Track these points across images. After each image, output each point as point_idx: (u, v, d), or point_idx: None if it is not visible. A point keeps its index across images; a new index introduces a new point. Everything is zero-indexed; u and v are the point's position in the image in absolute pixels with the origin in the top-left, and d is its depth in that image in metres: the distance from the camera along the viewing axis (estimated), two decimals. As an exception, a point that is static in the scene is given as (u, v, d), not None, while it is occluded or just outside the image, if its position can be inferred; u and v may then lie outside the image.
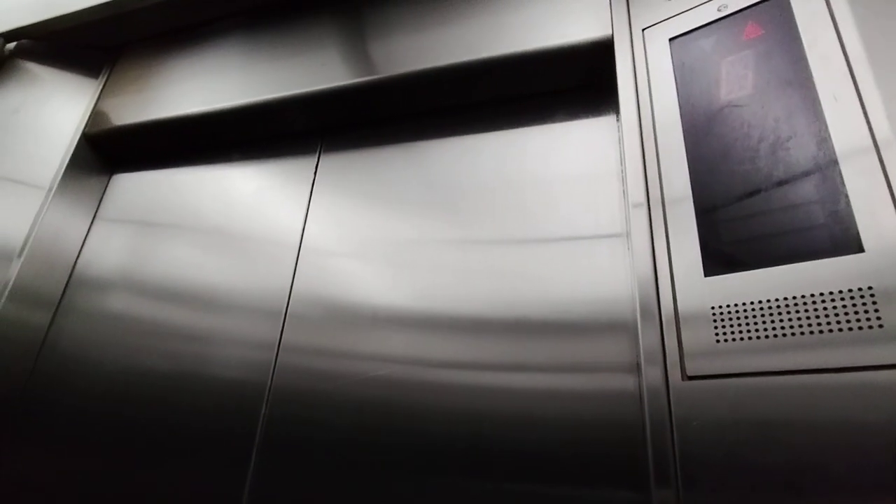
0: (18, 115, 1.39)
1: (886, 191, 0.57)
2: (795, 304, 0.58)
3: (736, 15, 0.76)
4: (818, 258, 0.58)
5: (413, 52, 1.05)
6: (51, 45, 1.48)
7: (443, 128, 1.08)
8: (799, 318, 0.57)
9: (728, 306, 0.62)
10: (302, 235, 1.08)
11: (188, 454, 0.95)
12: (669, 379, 0.62)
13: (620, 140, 0.86)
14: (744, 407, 0.57)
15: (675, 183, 0.71)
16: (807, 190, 0.61)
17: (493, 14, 1.01)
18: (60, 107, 1.37)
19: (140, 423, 1.01)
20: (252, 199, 1.18)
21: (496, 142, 1.02)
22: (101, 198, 1.34)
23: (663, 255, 0.69)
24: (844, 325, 0.55)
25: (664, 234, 0.70)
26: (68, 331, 1.18)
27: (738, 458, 0.55)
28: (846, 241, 0.57)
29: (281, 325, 1.00)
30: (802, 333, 0.56)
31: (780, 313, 0.58)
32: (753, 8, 0.75)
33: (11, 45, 1.51)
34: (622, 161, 0.85)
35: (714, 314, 0.62)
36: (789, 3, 0.72)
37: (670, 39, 0.81)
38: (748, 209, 0.64)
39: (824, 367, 0.54)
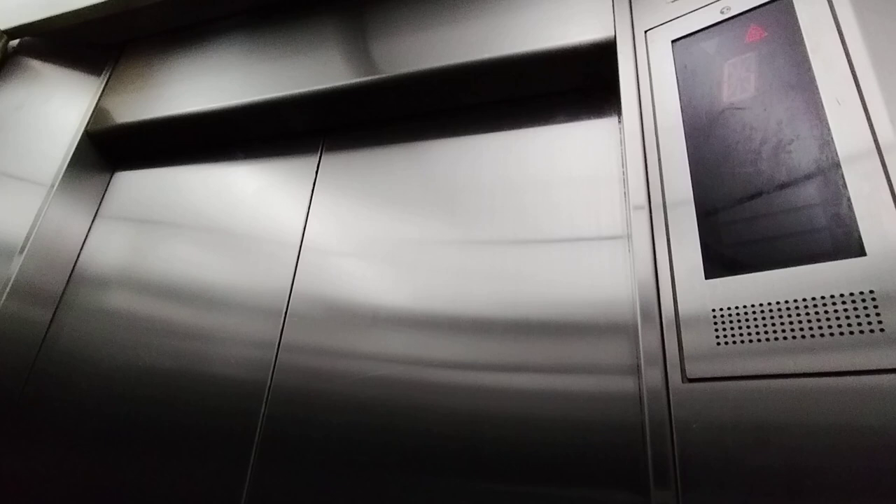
0: (21, 112, 1.39)
1: (889, 194, 0.57)
2: (797, 308, 0.58)
3: (739, 17, 0.76)
4: (820, 261, 0.58)
5: (415, 53, 1.05)
6: (54, 42, 1.48)
7: (444, 128, 1.08)
8: (800, 322, 0.57)
9: (729, 309, 0.62)
10: (303, 235, 1.08)
11: (188, 452, 0.95)
12: (669, 381, 0.62)
13: (622, 142, 0.86)
14: (744, 410, 0.57)
15: (677, 185, 0.71)
16: (809, 193, 0.61)
17: (495, 15, 1.01)
18: (63, 104, 1.38)
19: (140, 421, 1.01)
20: (253, 197, 1.18)
21: (498, 143, 1.02)
22: (103, 195, 1.35)
23: (664, 257, 0.69)
24: (846, 329, 0.54)
25: (665, 237, 0.70)
26: (69, 328, 1.18)
27: (738, 460, 0.55)
28: (848, 245, 0.57)
29: (281, 324, 1.00)
30: (803, 337, 0.56)
31: (780, 316, 0.58)
32: (756, 10, 0.75)
33: (14, 43, 1.51)
34: (623, 163, 0.85)
35: (715, 317, 0.62)
36: (793, 6, 0.71)
37: (673, 41, 0.81)
38: (750, 212, 0.64)
39: (825, 370, 0.54)
